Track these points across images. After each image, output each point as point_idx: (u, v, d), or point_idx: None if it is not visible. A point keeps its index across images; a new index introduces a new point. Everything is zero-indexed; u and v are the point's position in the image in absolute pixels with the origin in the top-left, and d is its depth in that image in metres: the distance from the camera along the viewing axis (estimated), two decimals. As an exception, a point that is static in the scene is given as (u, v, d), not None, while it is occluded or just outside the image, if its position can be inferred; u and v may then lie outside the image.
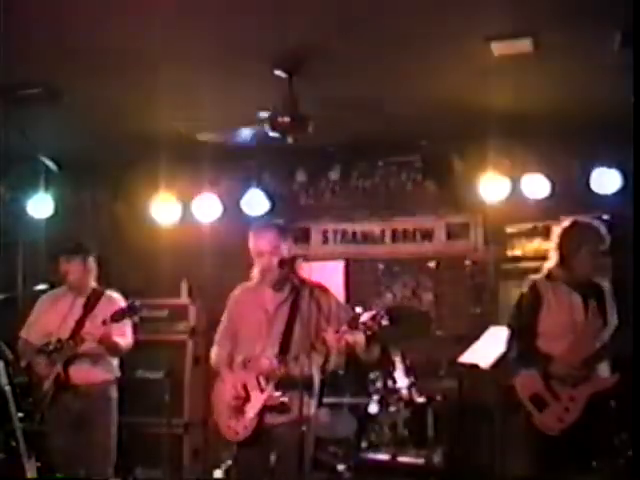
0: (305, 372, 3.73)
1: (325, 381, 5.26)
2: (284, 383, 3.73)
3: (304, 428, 3.72)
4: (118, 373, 4.82)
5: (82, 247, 4.81)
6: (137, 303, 4.45)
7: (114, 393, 4.77)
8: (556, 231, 4.14)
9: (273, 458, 3.83)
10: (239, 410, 3.82)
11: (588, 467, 3.83)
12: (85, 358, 4.58)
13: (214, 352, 4.07)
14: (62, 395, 4.55)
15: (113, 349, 4.62)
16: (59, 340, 4.55)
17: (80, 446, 4.58)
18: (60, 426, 4.55)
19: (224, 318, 4.09)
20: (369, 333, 3.67)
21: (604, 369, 3.93)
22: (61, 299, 4.81)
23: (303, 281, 3.90)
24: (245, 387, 3.82)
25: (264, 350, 3.82)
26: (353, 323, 3.64)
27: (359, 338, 3.78)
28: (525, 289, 4.12)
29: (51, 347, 4.55)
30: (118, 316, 4.43)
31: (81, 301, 4.73)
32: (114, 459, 4.71)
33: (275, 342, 3.82)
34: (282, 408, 3.74)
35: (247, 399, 3.82)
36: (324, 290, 3.97)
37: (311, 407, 3.88)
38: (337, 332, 3.65)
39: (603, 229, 4.04)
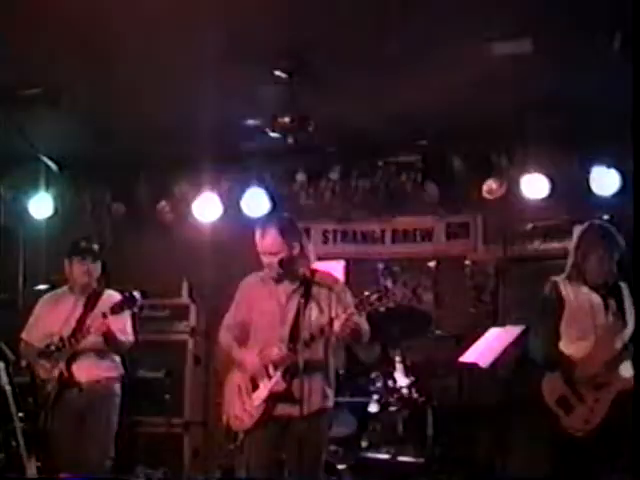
0: (318, 360, 3.77)
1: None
2: (293, 372, 3.70)
3: (324, 425, 3.76)
4: (122, 370, 4.83)
5: (89, 249, 4.83)
6: (136, 294, 4.45)
7: (118, 390, 4.78)
8: (576, 232, 4.16)
9: (284, 451, 3.81)
10: (246, 398, 3.83)
11: (614, 467, 3.86)
12: (88, 354, 4.59)
13: (223, 337, 4.04)
14: (66, 393, 4.56)
15: (115, 344, 4.62)
16: (61, 339, 4.55)
17: (81, 441, 4.58)
18: (64, 424, 4.56)
19: (234, 304, 4.07)
20: (372, 310, 3.69)
21: (627, 369, 3.94)
22: (62, 299, 4.82)
23: (313, 271, 3.91)
24: (254, 376, 3.82)
25: (276, 339, 3.81)
26: (360, 304, 3.66)
27: (365, 325, 3.81)
28: (546, 290, 4.13)
29: (53, 346, 4.55)
30: (117, 308, 4.44)
31: (82, 300, 4.75)
32: (112, 455, 4.72)
33: (286, 331, 3.82)
34: (290, 396, 3.70)
35: (255, 387, 3.83)
36: (334, 280, 3.99)
37: (328, 397, 3.87)
38: (345, 313, 3.66)
39: (620, 236, 4.06)
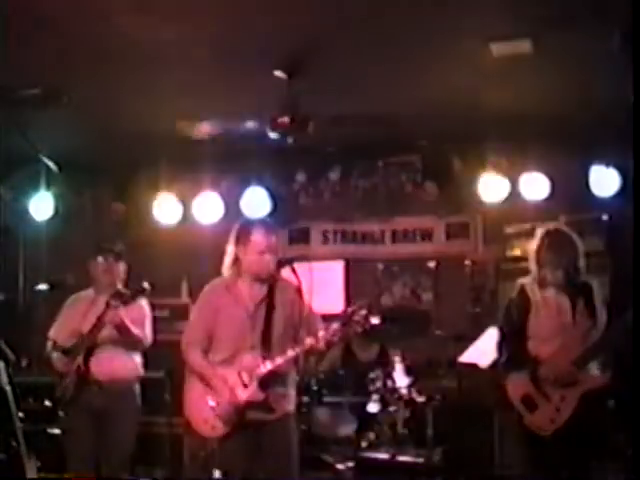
0: (288, 369, 3.79)
1: (323, 380, 5.30)
2: (268, 380, 3.71)
3: (293, 426, 3.77)
4: (141, 371, 4.86)
5: (111, 249, 4.90)
6: (145, 284, 4.54)
7: (138, 390, 4.82)
8: (537, 234, 4.17)
9: (260, 456, 3.78)
10: (221, 407, 3.78)
11: (582, 466, 3.87)
12: (104, 348, 4.62)
13: (188, 351, 3.96)
14: (85, 390, 4.59)
15: (128, 337, 4.64)
16: (80, 335, 4.61)
17: (101, 442, 4.61)
18: (83, 422, 4.60)
19: (196, 315, 4.03)
20: (359, 330, 3.71)
21: (594, 367, 3.95)
22: (86, 299, 4.90)
23: (279, 278, 3.88)
24: (226, 384, 3.76)
25: (247, 347, 3.78)
26: (345, 319, 3.70)
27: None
28: (514, 293, 4.16)
29: (73, 344, 4.61)
30: (127, 298, 4.54)
31: (103, 299, 4.81)
32: (131, 454, 4.77)
33: (257, 339, 3.79)
34: (265, 405, 3.71)
35: (230, 395, 3.75)
36: (297, 290, 3.87)
37: (294, 401, 3.90)
38: (324, 330, 3.70)
39: (580, 245, 4.06)
